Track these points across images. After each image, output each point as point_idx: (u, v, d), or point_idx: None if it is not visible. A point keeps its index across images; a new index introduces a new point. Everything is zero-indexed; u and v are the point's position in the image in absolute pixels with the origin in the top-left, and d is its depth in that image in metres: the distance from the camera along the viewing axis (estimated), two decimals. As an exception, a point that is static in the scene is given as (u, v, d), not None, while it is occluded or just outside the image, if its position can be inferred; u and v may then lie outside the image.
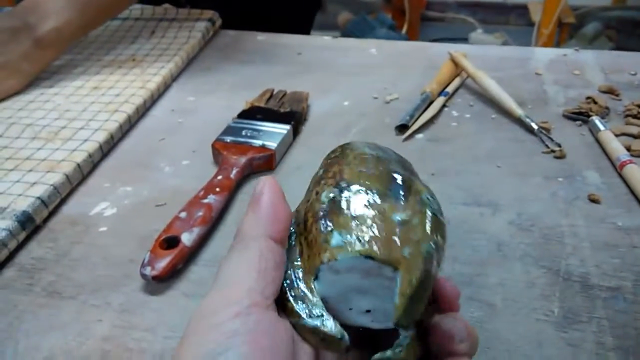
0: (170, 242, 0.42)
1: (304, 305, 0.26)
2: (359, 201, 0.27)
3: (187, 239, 0.42)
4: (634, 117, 0.57)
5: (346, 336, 0.26)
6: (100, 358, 0.35)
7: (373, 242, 0.25)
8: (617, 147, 0.51)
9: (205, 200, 0.46)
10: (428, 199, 0.29)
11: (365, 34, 2.04)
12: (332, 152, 0.34)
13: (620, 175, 0.49)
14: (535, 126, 0.55)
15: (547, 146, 0.53)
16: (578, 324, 0.37)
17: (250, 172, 0.52)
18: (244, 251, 0.27)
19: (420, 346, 0.27)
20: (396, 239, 0.26)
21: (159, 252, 0.41)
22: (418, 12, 2.45)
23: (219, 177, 0.49)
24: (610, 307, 0.38)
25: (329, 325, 0.26)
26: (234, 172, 0.50)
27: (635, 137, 0.54)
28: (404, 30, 2.31)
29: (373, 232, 0.26)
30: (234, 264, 0.27)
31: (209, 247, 0.44)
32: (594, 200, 0.47)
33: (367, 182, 0.28)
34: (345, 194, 0.28)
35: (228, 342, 0.23)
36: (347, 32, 2.10)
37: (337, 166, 0.31)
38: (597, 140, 0.54)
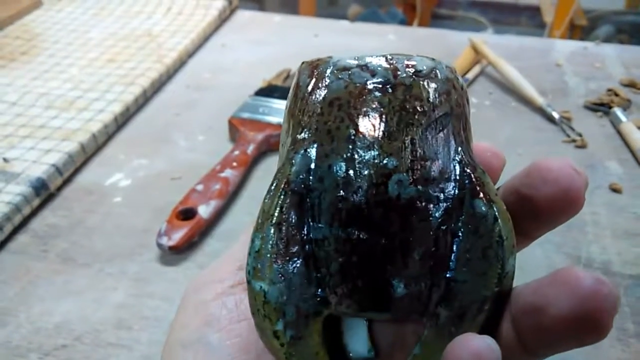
0: (186, 213, 0.42)
1: None
2: None
3: (203, 211, 0.42)
4: (656, 110, 0.56)
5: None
6: (116, 324, 0.35)
7: None
8: (639, 139, 0.50)
9: (222, 174, 0.45)
10: None
11: (376, 28, 2.03)
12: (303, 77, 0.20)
13: (642, 167, 0.49)
14: (556, 115, 0.54)
15: (568, 135, 0.53)
16: (600, 310, 0.36)
17: (267, 149, 0.51)
18: None
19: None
20: None
21: (176, 222, 0.41)
22: (430, 8, 2.44)
23: (236, 152, 0.48)
24: (631, 295, 0.37)
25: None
26: (251, 148, 0.49)
27: (657, 130, 0.53)
28: (414, 26, 2.30)
29: None
30: (242, 235, 0.24)
31: (224, 221, 0.44)
32: (615, 190, 0.46)
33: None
34: None
35: (201, 330, 0.21)
36: (357, 25, 2.09)
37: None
38: (619, 132, 0.53)
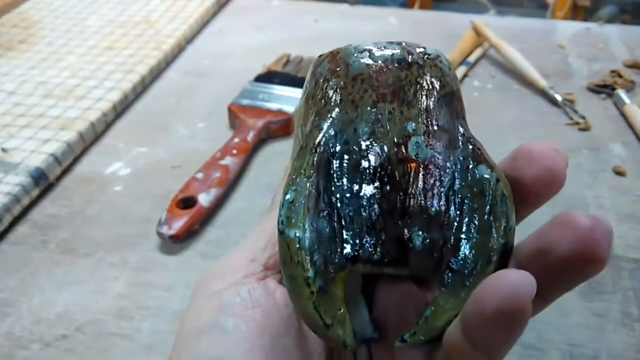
0: (187, 202, 0.42)
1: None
2: None
3: (204, 199, 0.42)
4: (660, 91, 0.55)
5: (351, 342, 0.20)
6: (117, 314, 0.35)
7: None
8: (643, 121, 0.50)
9: (223, 162, 0.45)
10: None
11: (377, 11, 2.00)
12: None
13: (646, 149, 0.48)
14: (559, 98, 0.53)
15: (571, 118, 0.52)
16: (604, 295, 0.36)
17: (267, 136, 0.51)
18: (267, 217, 0.24)
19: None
20: None
21: (176, 211, 0.40)
22: (430, -10, 2.41)
23: (236, 140, 0.48)
24: (635, 279, 0.37)
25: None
26: (251, 135, 0.48)
27: (661, 111, 0.53)
28: (415, 9, 2.27)
29: None
30: (254, 229, 0.24)
31: (225, 208, 0.43)
32: (619, 173, 0.46)
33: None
34: None
35: (215, 317, 0.21)
36: (358, 8, 2.07)
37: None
38: (622, 114, 0.53)
